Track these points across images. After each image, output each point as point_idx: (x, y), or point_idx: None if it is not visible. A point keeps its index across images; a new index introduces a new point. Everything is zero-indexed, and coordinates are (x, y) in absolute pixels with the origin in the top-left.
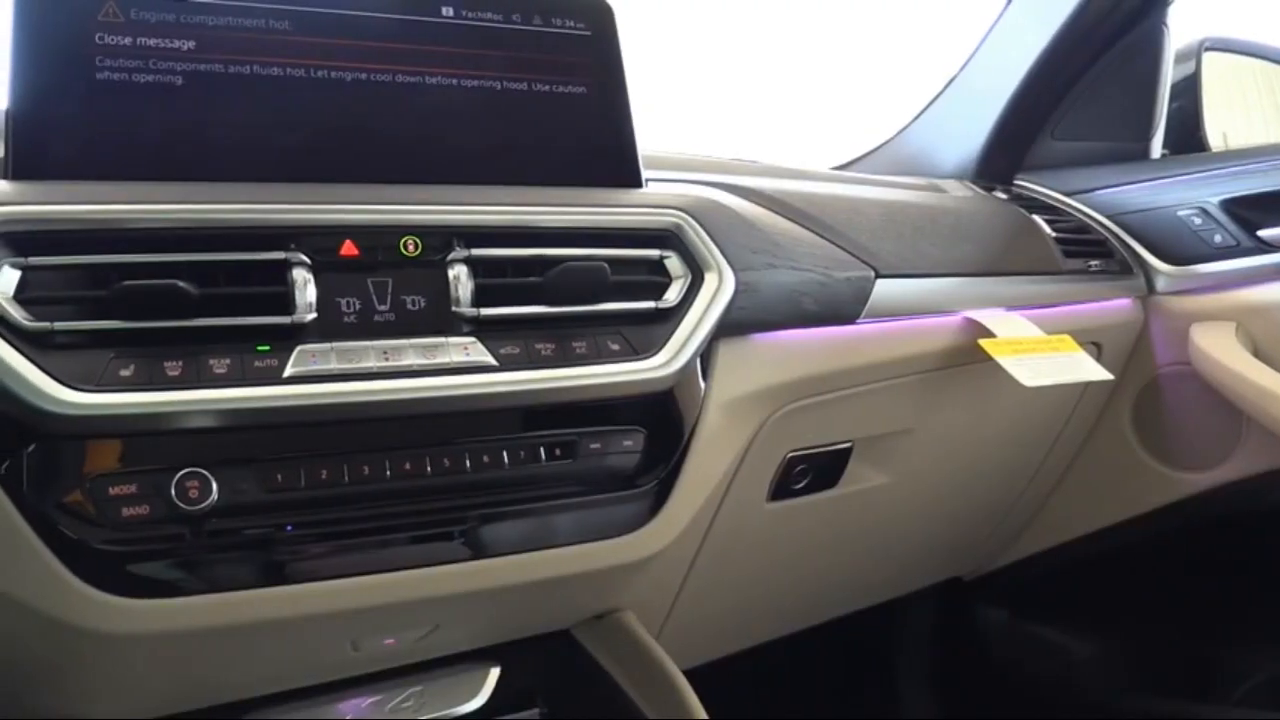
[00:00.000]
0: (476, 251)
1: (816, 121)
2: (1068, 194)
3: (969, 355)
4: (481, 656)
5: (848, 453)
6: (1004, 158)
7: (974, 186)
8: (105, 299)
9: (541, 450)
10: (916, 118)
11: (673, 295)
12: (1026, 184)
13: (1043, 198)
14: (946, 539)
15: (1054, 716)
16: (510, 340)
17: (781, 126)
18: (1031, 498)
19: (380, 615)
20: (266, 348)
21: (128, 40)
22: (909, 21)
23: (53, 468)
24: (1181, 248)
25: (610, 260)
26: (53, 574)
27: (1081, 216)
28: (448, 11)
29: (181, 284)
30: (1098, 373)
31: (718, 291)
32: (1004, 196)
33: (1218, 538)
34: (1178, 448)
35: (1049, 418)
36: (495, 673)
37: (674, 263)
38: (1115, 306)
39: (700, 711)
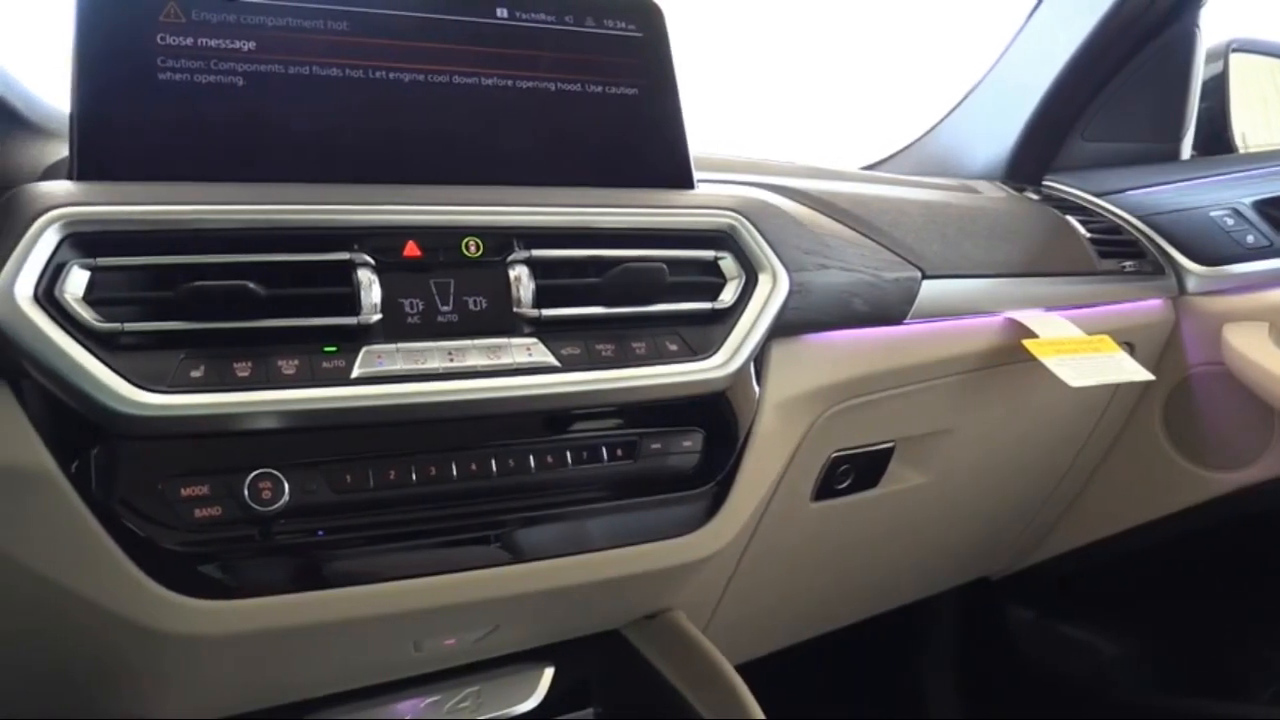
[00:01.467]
0: (537, 253)
1: (835, 121)
2: (1097, 195)
3: (1009, 355)
4: (535, 656)
5: (889, 453)
6: (1034, 158)
7: (1005, 187)
8: (173, 300)
9: (604, 450)
10: (944, 118)
11: (728, 296)
12: (1056, 185)
13: (1073, 198)
14: (978, 538)
15: (1082, 716)
16: (570, 341)
17: (801, 126)
18: (1061, 497)
19: (445, 616)
20: (334, 349)
21: (189, 41)
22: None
23: (123, 468)
24: (1214, 248)
25: (667, 261)
26: (125, 575)
27: (1112, 217)
28: (502, 13)
29: (251, 285)
30: (1138, 373)
31: (772, 292)
32: (1035, 197)
33: (1248, 537)
34: (1208, 447)
35: (1081, 417)
36: (549, 673)
37: (728, 263)
38: (1147, 307)
39: (757, 711)
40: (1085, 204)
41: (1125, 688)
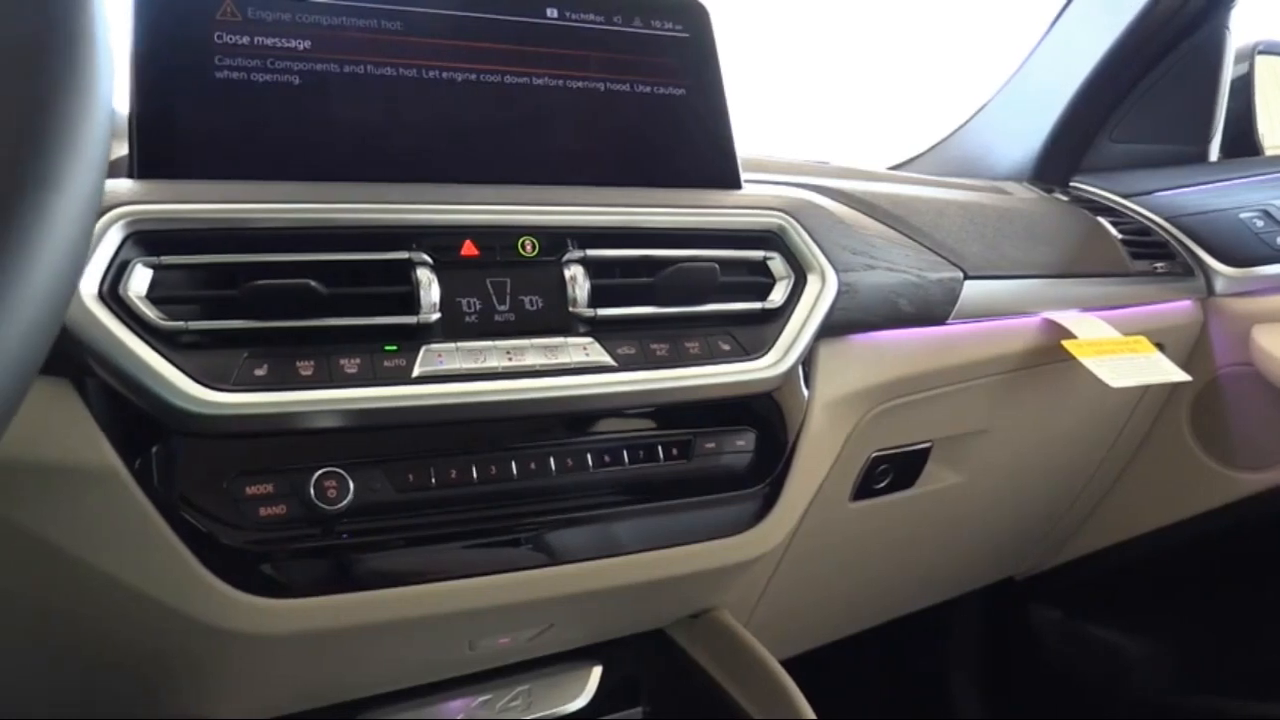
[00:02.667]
0: (591, 252)
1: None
2: (1125, 196)
3: (1046, 356)
4: (581, 655)
5: (927, 453)
6: (1061, 160)
7: (1034, 188)
8: (236, 298)
9: (659, 450)
10: (970, 119)
11: (778, 296)
12: (1083, 186)
13: (1102, 200)
14: (1007, 538)
15: (1105, 716)
16: (625, 341)
17: (820, 126)
18: (1088, 497)
19: (503, 615)
20: (394, 347)
21: (246, 40)
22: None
23: (188, 467)
24: (1243, 250)
25: (718, 261)
26: (191, 573)
27: (1142, 219)
28: (552, 13)
29: (313, 283)
30: (1175, 373)
31: (821, 292)
32: (1064, 198)
33: (1275, 537)
34: (1236, 448)
35: (1111, 418)
36: (598, 671)
37: (777, 264)
38: (1176, 308)
39: (808, 710)
40: (1114, 205)
41: (1150, 688)
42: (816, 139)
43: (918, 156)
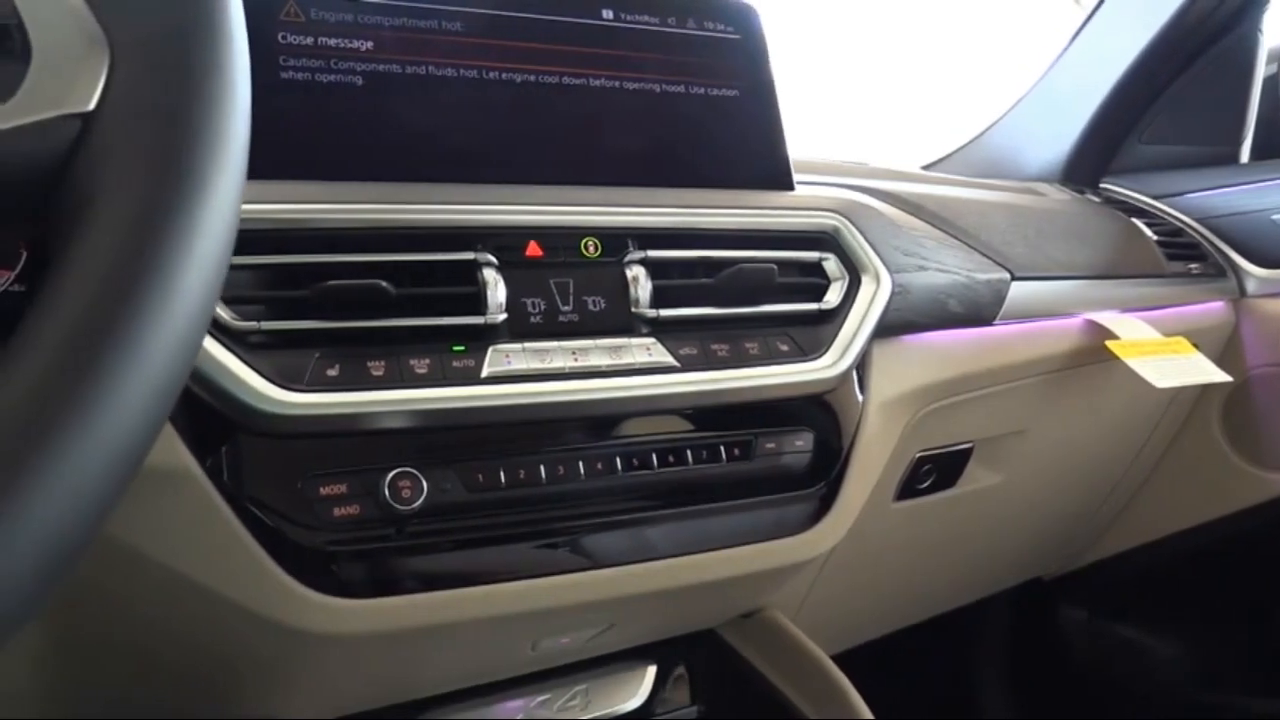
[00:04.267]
0: (652, 253)
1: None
2: (1156, 197)
3: (1088, 356)
4: (635, 655)
5: (969, 453)
6: (1092, 161)
7: (1067, 189)
8: (307, 298)
9: (722, 450)
10: (998, 120)
11: (833, 297)
12: (1114, 187)
13: (1133, 201)
14: (1039, 538)
15: (1133, 716)
16: (686, 341)
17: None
18: (1118, 497)
19: (569, 615)
20: (462, 348)
21: (309, 40)
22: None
23: (263, 467)
24: (1275, 251)
25: (776, 262)
26: (266, 572)
27: (1174, 220)
28: (608, 14)
29: (384, 284)
30: (1216, 374)
31: (876, 293)
32: (1096, 200)
33: None
34: (1267, 448)
35: (1144, 418)
36: (652, 671)
37: (832, 265)
38: (1208, 309)
39: (864, 710)
40: (1146, 207)
41: (1177, 688)
42: (831, 139)
43: (946, 157)
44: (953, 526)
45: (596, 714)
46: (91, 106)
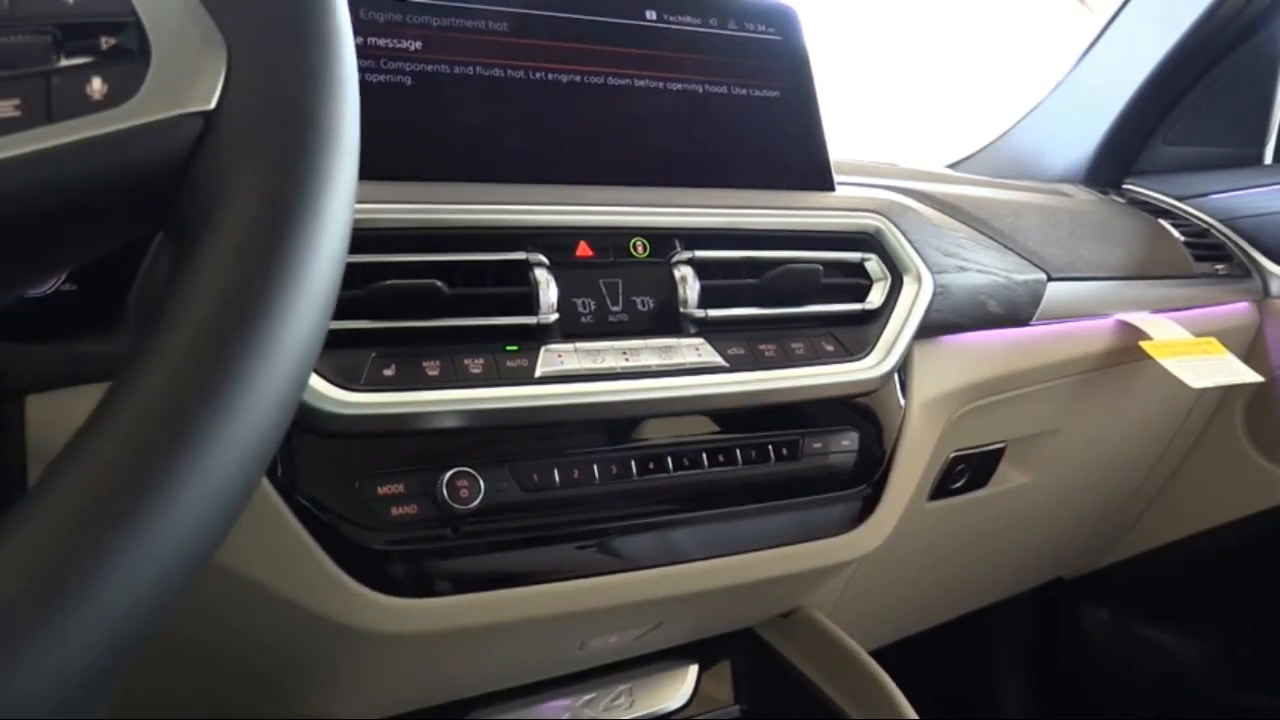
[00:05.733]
0: (699, 254)
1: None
2: (1180, 198)
3: (1121, 357)
4: (677, 655)
5: (1001, 453)
6: (1115, 162)
7: (1091, 190)
8: (363, 298)
9: (770, 450)
10: (1019, 122)
11: (876, 297)
12: (1137, 188)
13: (1157, 202)
14: (1064, 538)
15: (1155, 716)
16: (734, 341)
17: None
18: (1141, 497)
19: (620, 614)
20: (515, 347)
21: (359, 40)
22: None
23: (321, 467)
24: None
25: (820, 263)
26: (324, 571)
27: (1199, 221)
28: (650, 15)
29: (438, 284)
30: (1248, 374)
31: (918, 294)
32: (1121, 201)
33: None
34: None
35: (1170, 418)
36: (694, 670)
37: (874, 265)
38: (1233, 310)
39: (909, 711)
40: (1170, 208)
41: (1199, 688)
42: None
43: (968, 158)
44: (982, 526)
45: (641, 713)
46: (213, 104)
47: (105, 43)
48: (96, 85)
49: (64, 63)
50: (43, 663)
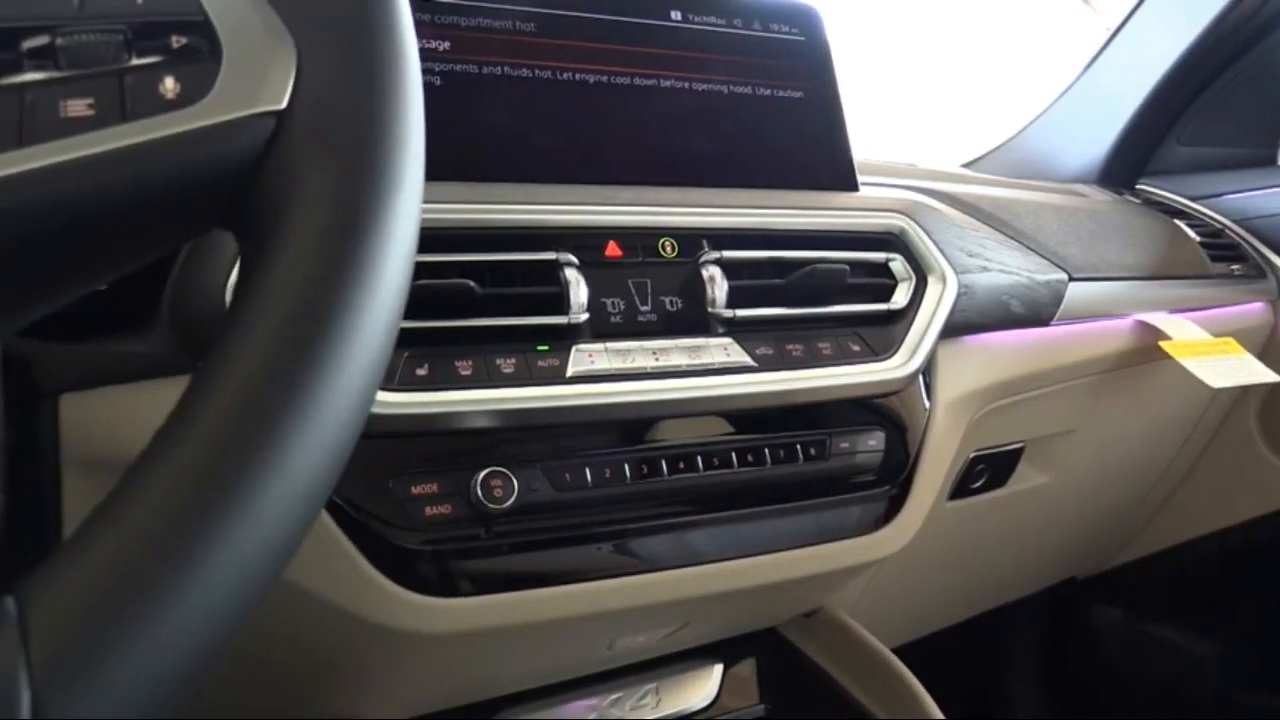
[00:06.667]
0: (727, 254)
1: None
2: (1194, 199)
3: (1140, 357)
4: (701, 654)
5: (1020, 453)
6: (1128, 162)
7: (1106, 191)
8: None
9: (798, 449)
10: (1032, 122)
11: (900, 297)
12: (1150, 189)
13: (1171, 203)
14: (1078, 537)
15: (1168, 716)
16: (762, 341)
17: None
18: (1155, 497)
19: (650, 613)
20: (546, 347)
21: None
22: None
23: (354, 467)
24: None
25: (846, 263)
26: (359, 571)
27: (1213, 221)
28: (675, 15)
29: (470, 283)
30: (1268, 374)
31: (943, 294)
32: (1136, 201)
33: None
34: None
35: (1186, 418)
36: (719, 669)
37: (898, 265)
38: (1248, 310)
39: (935, 711)
40: (1184, 208)
41: (1212, 688)
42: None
43: (980, 158)
44: (999, 526)
45: (667, 713)
46: (284, 104)
47: (176, 42)
48: (169, 84)
49: (135, 61)
50: (140, 664)
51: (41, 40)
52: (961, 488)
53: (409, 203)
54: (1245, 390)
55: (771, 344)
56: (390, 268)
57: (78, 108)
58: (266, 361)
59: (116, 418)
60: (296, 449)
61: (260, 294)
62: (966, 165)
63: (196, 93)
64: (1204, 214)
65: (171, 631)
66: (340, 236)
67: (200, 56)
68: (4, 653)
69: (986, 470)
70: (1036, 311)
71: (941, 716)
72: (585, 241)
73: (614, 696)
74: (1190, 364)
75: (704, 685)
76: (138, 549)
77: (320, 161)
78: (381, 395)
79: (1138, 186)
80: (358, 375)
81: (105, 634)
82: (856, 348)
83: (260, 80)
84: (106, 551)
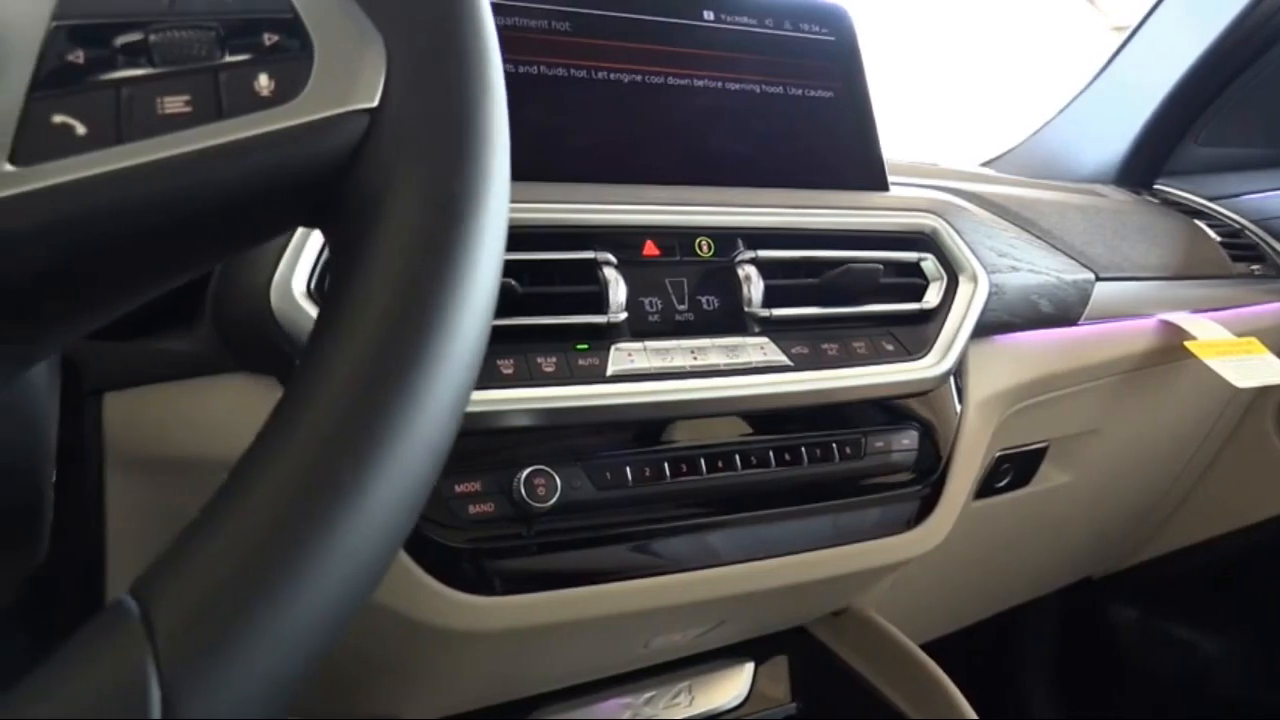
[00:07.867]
0: (762, 253)
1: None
2: (1212, 199)
3: (1164, 356)
4: (732, 653)
5: (1044, 452)
6: (1146, 162)
7: (1125, 191)
8: None
9: (834, 448)
10: (1049, 122)
11: (933, 297)
12: (1168, 189)
13: (1189, 203)
14: (1096, 537)
15: (1184, 716)
16: (797, 340)
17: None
18: (1172, 496)
19: (688, 612)
20: (585, 346)
21: None
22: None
23: None
24: None
25: (881, 263)
26: (402, 570)
27: (1232, 221)
28: (709, 15)
29: (514, 283)
30: None
31: (974, 294)
32: (1155, 202)
33: None
34: None
35: (1205, 417)
36: (750, 668)
37: (930, 265)
38: (1267, 310)
39: (967, 710)
40: (1203, 209)
41: (1228, 687)
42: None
43: (998, 157)
44: (1021, 525)
45: (701, 711)
46: (376, 101)
47: (269, 39)
48: (264, 81)
49: (229, 59)
50: (263, 664)
51: (134, 36)
52: (986, 487)
53: (500, 199)
54: (1263, 390)
55: (807, 343)
56: (485, 264)
57: (175, 104)
58: (373, 357)
59: (159, 416)
60: (405, 445)
61: (361, 291)
62: (983, 165)
63: (291, 90)
64: (1223, 214)
65: (293, 629)
66: (440, 235)
67: (292, 54)
68: (132, 651)
69: (1011, 470)
70: (1065, 311)
71: (974, 715)
72: (623, 240)
73: (648, 695)
74: (1215, 364)
75: (736, 684)
76: (257, 546)
77: (413, 159)
78: None
79: (1156, 186)
80: (459, 370)
81: (231, 633)
82: (890, 347)
83: (353, 78)
84: (226, 549)
